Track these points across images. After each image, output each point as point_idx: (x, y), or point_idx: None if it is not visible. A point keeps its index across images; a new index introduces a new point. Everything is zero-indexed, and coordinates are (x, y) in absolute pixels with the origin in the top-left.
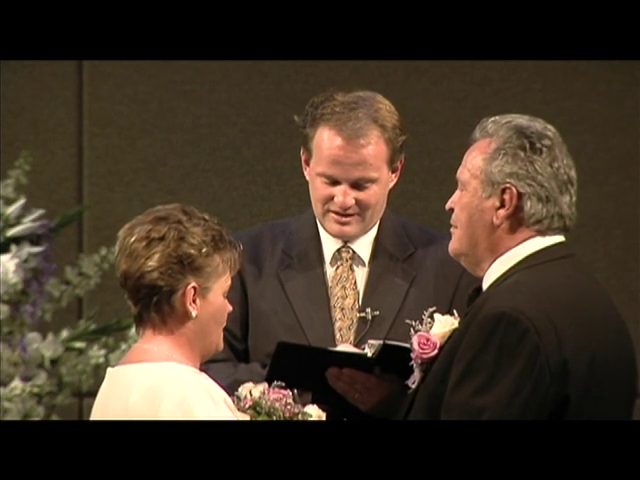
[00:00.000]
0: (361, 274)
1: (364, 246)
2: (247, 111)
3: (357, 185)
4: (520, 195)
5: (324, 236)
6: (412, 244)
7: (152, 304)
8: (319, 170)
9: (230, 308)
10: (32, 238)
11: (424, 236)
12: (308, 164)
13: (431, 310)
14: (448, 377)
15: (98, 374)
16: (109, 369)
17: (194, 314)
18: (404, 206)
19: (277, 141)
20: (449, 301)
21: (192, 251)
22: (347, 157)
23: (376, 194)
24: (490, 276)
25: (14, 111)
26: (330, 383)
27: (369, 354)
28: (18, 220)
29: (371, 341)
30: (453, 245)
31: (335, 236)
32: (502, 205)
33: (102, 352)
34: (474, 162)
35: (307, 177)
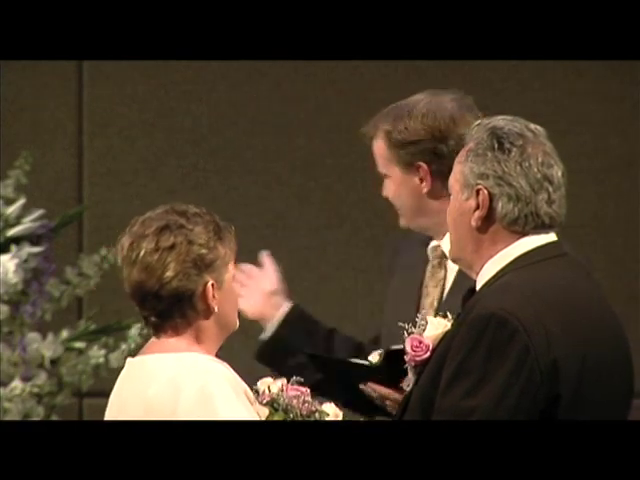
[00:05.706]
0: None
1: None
2: (247, 111)
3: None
4: (492, 196)
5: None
6: None
7: (175, 311)
8: None
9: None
10: (32, 238)
11: None
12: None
13: (424, 312)
14: (439, 379)
15: (98, 374)
16: (129, 359)
17: (216, 309)
18: None
19: (277, 141)
20: None
21: (203, 251)
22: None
23: (391, 190)
24: (482, 277)
25: (14, 111)
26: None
27: (374, 361)
28: (18, 220)
29: (376, 352)
30: (449, 250)
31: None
32: (478, 207)
33: (102, 352)
34: (455, 166)
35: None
